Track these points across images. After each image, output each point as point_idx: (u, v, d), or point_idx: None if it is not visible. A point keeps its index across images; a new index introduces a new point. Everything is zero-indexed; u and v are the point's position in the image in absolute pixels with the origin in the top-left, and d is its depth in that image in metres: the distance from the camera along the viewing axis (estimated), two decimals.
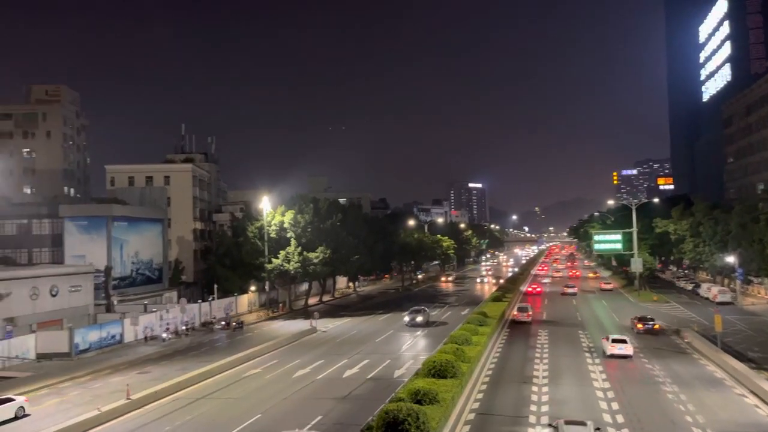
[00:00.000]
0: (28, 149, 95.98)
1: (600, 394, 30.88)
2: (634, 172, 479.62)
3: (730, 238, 70.38)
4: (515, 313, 58.28)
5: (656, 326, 49.94)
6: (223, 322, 62.31)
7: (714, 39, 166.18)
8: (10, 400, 30.62)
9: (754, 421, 26.28)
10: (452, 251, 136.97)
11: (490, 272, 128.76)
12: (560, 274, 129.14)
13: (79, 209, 69.26)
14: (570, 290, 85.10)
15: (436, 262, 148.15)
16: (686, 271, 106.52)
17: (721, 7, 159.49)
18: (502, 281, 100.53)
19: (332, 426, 27.20)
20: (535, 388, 32.30)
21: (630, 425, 25.85)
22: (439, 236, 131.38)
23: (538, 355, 41.70)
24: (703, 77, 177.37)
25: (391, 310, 72.46)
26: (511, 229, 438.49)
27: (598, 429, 23.27)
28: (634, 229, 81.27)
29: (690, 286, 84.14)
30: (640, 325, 50.15)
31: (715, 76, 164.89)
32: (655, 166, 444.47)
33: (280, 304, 77.60)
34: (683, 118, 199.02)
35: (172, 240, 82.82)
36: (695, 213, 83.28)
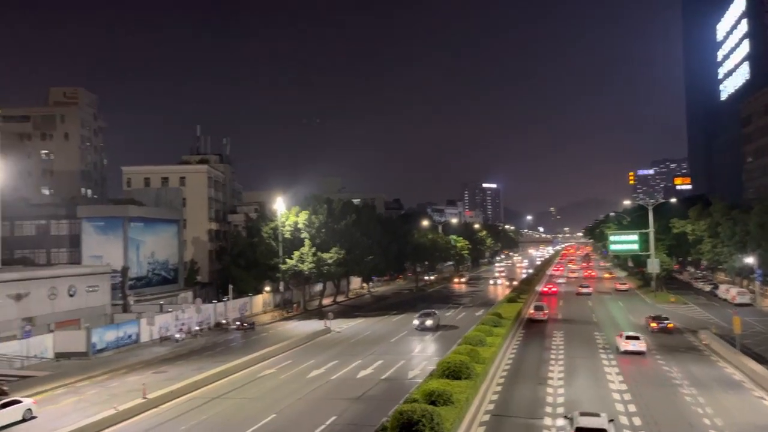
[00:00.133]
0: (46, 151, 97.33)
1: (617, 396, 30.59)
2: (651, 171, 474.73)
3: (749, 239, 69.40)
4: (531, 311, 60.02)
5: (670, 325, 50.52)
6: (238, 323, 62.61)
7: (732, 37, 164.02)
8: (17, 402, 30.47)
9: None
10: (466, 252, 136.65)
11: (503, 273, 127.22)
12: (575, 275, 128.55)
13: (96, 210, 69.97)
14: (585, 290, 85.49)
15: (450, 263, 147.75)
16: (704, 272, 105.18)
17: (738, 5, 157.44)
18: (515, 283, 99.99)
19: (346, 426, 27.22)
20: (550, 390, 32.07)
21: (647, 427, 25.57)
22: (453, 237, 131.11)
23: (553, 356, 41.43)
24: (720, 76, 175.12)
25: (404, 310, 72.38)
26: (525, 230, 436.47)
27: (612, 420, 23.74)
28: (651, 230, 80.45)
29: (708, 288, 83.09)
30: (654, 324, 50.92)
31: (734, 74, 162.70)
32: (672, 165, 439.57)
33: (295, 305, 77.87)
34: (701, 117, 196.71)
35: (187, 240, 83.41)
36: (713, 213, 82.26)
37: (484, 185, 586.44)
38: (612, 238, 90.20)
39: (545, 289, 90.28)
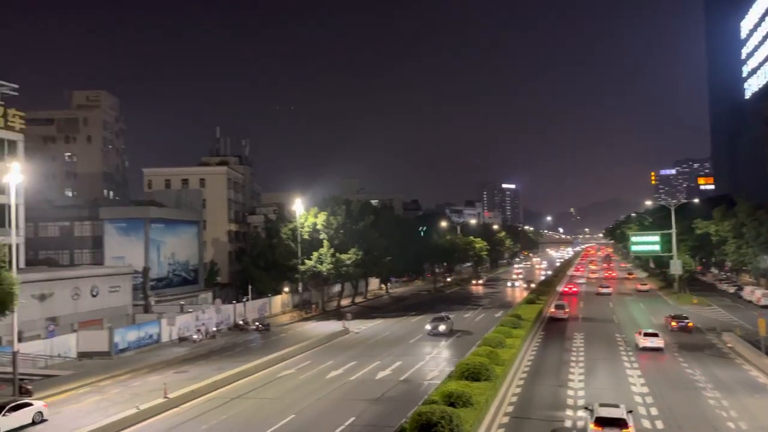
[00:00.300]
0: (69, 153, 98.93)
1: (638, 399, 30.20)
2: (673, 171, 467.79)
3: None
4: (552, 310, 61.81)
5: (690, 324, 51.30)
6: (257, 323, 62.96)
7: (756, 34, 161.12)
8: (27, 405, 30.23)
9: None
10: (485, 253, 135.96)
11: (520, 276, 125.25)
12: (596, 275, 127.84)
13: (118, 212, 70.89)
14: (604, 290, 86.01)
15: (469, 264, 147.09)
16: (728, 274, 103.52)
17: (763, 2, 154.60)
18: (533, 285, 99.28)
19: (365, 427, 27.22)
20: (570, 392, 31.78)
21: (669, 431, 25.22)
22: (471, 238, 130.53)
23: (573, 357, 41.05)
24: (745, 74, 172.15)
25: (423, 312, 72.20)
26: (545, 231, 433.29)
27: (630, 411, 24.78)
28: (673, 231, 79.36)
29: (732, 289, 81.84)
30: (674, 323, 51.87)
31: (758, 72, 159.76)
32: (695, 165, 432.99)
33: (313, 306, 78.14)
34: (724, 115, 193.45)
35: (207, 241, 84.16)
36: (738, 214, 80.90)
37: (503, 185, 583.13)
38: (633, 238, 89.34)
39: (566, 289, 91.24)
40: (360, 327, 60.92)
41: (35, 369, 41.16)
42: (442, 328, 53.16)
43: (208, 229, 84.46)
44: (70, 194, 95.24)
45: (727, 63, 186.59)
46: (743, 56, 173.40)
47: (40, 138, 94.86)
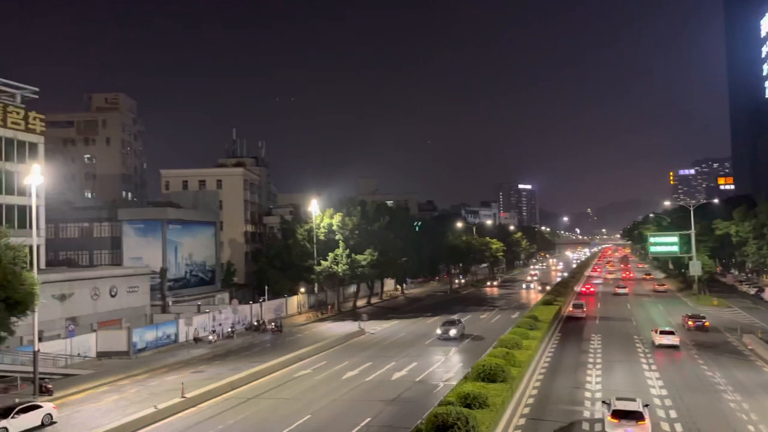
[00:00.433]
0: (89, 155, 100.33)
1: (657, 401, 29.86)
2: (692, 171, 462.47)
3: None
4: (571, 309, 63.77)
5: (706, 324, 52.10)
6: (272, 324, 63.23)
7: None
8: (37, 407, 30.10)
9: None
10: (501, 254, 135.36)
11: (535, 277, 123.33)
12: (613, 276, 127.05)
13: (136, 213, 71.65)
14: (621, 290, 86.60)
15: (485, 265, 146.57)
16: (749, 275, 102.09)
17: None
18: (548, 288, 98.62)
19: (381, 428, 27.23)
20: (588, 394, 31.54)
21: None
22: (487, 238, 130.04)
23: (591, 359, 40.72)
24: (765, 72, 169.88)
25: (438, 313, 72.07)
26: (562, 231, 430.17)
27: (646, 405, 25.53)
28: (692, 231, 78.42)
29: (753, 291, 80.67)
30: (690, 322, 52.68)
31: None
32: (715, 165, 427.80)
33: (329, 306, 78.34)
34: (745, 114, 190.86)
35: (224, 242, 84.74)
36: (759, 214, 79.80)
37: (520, 186, 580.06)
38: (652, 239, 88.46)
39: (583, 289, 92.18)
40: (376, 328, 60.95)
41: (56, 368, 41.71)
42: (453, 332, 51.61)
43: (224, 229, 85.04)
44: (89, 195, 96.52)
45: (747, 61, 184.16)
46: (763, 54, 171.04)
47: (60, 140, 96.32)
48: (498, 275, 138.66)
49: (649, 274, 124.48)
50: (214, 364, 45.34)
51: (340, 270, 72.18)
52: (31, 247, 38.22)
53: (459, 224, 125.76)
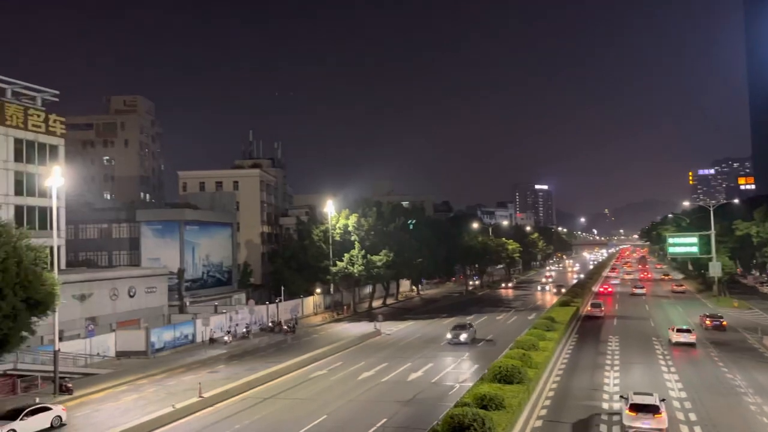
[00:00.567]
0: (107, 157, 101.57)
1: (677, 404, 29.53)
2: (712, 171, 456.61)
3: None
4: (589, 308, 65.25)
5: (724, 323, 52.82)
6: (287, 325, 63.39)
7: None
8: (46, 409, 29.91)
9: None
10: (517, 255, 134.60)
11: (550, 279, 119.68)
12: (630, 276, 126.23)
13: (154, 214, 72.35)
14: (638, 291, 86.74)
15: (501, 266, 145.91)
16: None
17: None
18: (563, 290, 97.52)
19: (397, 429, 27.22)
20: (605, 395, 31.27)
21: None
22: (503, 239, 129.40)
23: (608, 361, 40.37)
24: None
25: (454, 314, 71.90)
26: (579, 232, 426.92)
27: (663, 400, 26.17)
28: (712, 232, 77.39)
29: None
30: (708, 322, 53.58)
31: None
32: (735, 165, 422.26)
33: (345, 307, 78.48)
34: (765, 114, 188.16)
35: (240, 243, 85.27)
36: None
37: (536, 187, 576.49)
38: (670, 240, 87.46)
39: (601, 289, 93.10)
40: (391, 329, 60.93)
41: (75, 367, 42.21)
42: (463, 336, 49.71)
43: (241, 230, 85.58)
44: (108, 197, 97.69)
45: (766, 61, 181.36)
46: None
47: (80, 142, 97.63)
48: (514, 276, 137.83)
49: (668, 275, 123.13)
50: (230, 364, 45.63)
51: (355, 271, 72.29)
52: (51, 248, 38.72)
53: (475, 225, 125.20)
